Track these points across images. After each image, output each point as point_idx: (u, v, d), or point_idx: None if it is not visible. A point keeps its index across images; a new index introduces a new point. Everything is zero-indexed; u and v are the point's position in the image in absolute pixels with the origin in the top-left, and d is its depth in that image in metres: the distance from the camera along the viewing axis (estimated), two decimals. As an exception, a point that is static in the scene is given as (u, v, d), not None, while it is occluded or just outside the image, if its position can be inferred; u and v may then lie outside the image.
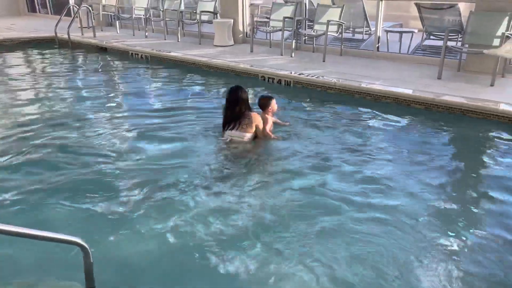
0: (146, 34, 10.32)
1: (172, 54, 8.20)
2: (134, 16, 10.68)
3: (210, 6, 9.60)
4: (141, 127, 4.81)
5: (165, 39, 9.77)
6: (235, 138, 4.20)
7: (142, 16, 10.66)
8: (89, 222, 3.03)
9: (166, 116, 5.19)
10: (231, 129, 4.21)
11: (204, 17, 9.49)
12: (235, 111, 4.20)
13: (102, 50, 9.47)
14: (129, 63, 8.35)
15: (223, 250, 2.71)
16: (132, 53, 8.77)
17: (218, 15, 9.55)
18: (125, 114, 5.39)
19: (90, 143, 4.36)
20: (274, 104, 4.54)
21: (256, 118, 4.23)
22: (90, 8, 10.82)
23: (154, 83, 6.98)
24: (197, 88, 6.64)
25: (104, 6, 11.61)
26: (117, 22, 11.18)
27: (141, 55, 8.59)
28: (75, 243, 2.07)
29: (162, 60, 8.22)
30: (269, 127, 4.38)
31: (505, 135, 4.41)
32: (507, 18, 5.65)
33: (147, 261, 2.66)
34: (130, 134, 4.63)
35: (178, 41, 9.57)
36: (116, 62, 8.53)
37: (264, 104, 4.51)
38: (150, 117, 5.17)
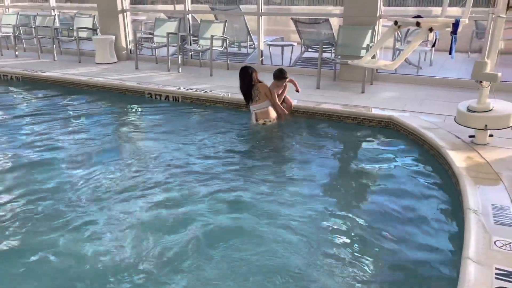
0: (17, 53, 9.39)
1: (47, 74, 7.56)
2: (0, 34, 9.66)
3: (88, 22, 9.09)
4: (14, 156, 4.34)
5: (39, 58, 8.99)
6: (258, 111, 5.04)
7: (10, 34, 9.68)
8: None
9: (42, 142, 4.76)
10: (252, 104, 5.08)
11: (83, 34, 8.94)
12: (246, 84, 5.09)
13: (-38, 72, 8.37)
14: (-4, 86, 7.50)
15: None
16: (-1, 75, 7.91)
17: (98, 31, 9.09)
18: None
19: None
20: (280, 82, 5.12)
21: (263, 87, 5.04)
22: None
23: (27, 107, 6.34)
24: (77, 109, 6.18)
25: (-37, 23, 10.33)
26: (-20, 41, 10.01)
27: (11, 76, 7.78)
28: None
29: (36, 81, 7.53)
30: (277, 98, 5.10)
31: (376, 136, 4.85)
32: (370, 31, 6.29)
33: None
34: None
35: (54, 60, 8.88)
36: (-20, 86, 7.60)
37: (277, 75, 5.12)
38: (23, 144, 4.69)
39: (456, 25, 3.23)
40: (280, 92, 5.21)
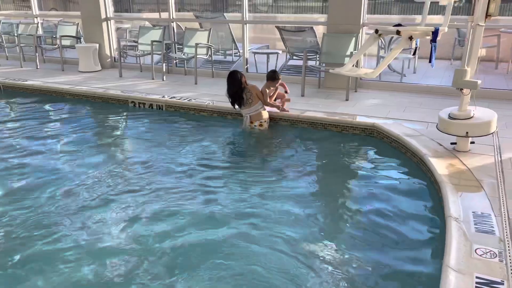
0: (-2, 61, 9.27)
1: (29, 82, 7.44)
2: (-18, 42, 9.52)
3: (71, 30, 9.00)
4: None
5: (21, 67, 8.86)
6: (253, 113, 5.12)
7: (-8, 42, 9.56)
8: None
9: (22, 152, 4.67)
10: (244, 108, 5.15)
11: (66, 42, 8.85)
12: (236, 88, 5.12)
13: None
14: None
15: None
16: (-20, 84, 7.75)
17: (82, 39, 9.00)
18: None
19: None
20: (274, 82, 5.26)
21: (254, 88, 5.12)
22: None
23: (7, 116, 6.22)
24: (59, 118, 6.08)
25: None
26: (-39, 49, 9.85)
27: (-8, 85, 7.64)
28: None
29: (18, 90, 7.40)
30: (268, 97, 5.21)
31: (360, 144, 4.86)
32: (353, 39, 6.33)
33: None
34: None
35: (37, 68, 8.75)
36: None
37: (271, 76, 5.24)
38: (2, 153, 4.59)
39: (435, 33, 3.26)
40: (271, 94, 5.30)
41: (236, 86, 5.16)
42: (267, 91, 5.22)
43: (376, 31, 3.69)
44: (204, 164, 4.37)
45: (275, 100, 5.44)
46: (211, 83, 7.39)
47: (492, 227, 2.75)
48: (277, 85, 5.33)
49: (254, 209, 3.43)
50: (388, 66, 7.76)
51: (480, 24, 3.67)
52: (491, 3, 3.62)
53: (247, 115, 5.19)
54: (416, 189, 3.80)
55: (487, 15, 3.65)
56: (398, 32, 3.44)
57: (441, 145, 4.22)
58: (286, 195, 3.70)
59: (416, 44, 3.67)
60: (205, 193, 3.72)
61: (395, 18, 11.66)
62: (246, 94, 5.14)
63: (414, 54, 4.07)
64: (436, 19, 8.29)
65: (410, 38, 3.37)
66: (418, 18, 10.41)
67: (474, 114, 3.89)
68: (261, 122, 5.17)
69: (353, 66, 3.95)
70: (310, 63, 6.90)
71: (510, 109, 5.38)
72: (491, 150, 4.05)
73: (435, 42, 3.28)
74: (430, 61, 3.40)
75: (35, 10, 9.87)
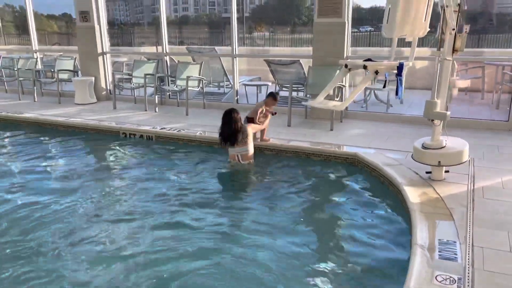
0: (-2, 95, 9.53)
1: (25, 115, 7.65)
2: (-18, 76, 9.83)
3: (69, 64, 9.31)
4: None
5: (19, 100, 9.12)
6: (244, 153, 5.09)
7: (-8, 76, 9.86)
8: None
9: (13, 184, 4.79)
10: (235, 147, 5.07)
11: (64, 76, 9.14)
12: (232, 129, 5.01)
13: None
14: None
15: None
16: (-23, 116, 7.96)
17: (79, 73, 9.29)
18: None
19: None
20: (272, 104, 5.59)
21: (248, 129, 5.12)
22: None
23: (2, 148, 6.39)
24: (50, 149, 6.24)
25: None
26: (-38, 83, 10.15)
27: (-12, 117, 7.84)
28: None
29: (14, 123, 7.60)
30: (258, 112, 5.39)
31: (341, 173, 4.96)
32: (337, 71, 6.54)
33: None
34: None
35: (34, 101, 9.01)
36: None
37: (274, 96, 5.61)
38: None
39: (400, 68, 3.43)
40: (262, 113, 5.48)
41: (233, 129, 5.02)
42: (259, 109, 5.42)
43: (346, 65, 3.89)
44: (189, 192, 4.47)
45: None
46: (202, 114, 7.58)
47: (456, 254, 2.83)
48: (272, 107, 5.59)
49: (236, 236, 3.53)
50: (375, 96, 7.97)
51: (447, 58, 3.86)
52: (457, 40, 3.82)
53: (238, 154, 5.12)
54: (391, 218, 3.88)
55: (454, 50, 3.84)
56: (365, 67, 3.62)
57: (417, 174, 4.33)
58: (267, 222, 3.80)
59: (386, 77, 3.84)
60: (190, 221, 3.81)
61: (387, 50, 11.96)
62: (243, 133, 5.07)
63: (384, 86, 4.23)
64: (422, 51, 8.53)
65: (376, 72, 3.55)
66: (406, 50, 10.70)
67: (446, 144, 4.02)
68: (250, 161, 5.18)
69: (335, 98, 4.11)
70: (299, 94, 7.11)
71: (490, 139, 5.49)
72: (466, 179, 4.15)
73: (401, 76, 3.45)
74: (396, 94, 3.56)
75: (35, 45, 10.22)
